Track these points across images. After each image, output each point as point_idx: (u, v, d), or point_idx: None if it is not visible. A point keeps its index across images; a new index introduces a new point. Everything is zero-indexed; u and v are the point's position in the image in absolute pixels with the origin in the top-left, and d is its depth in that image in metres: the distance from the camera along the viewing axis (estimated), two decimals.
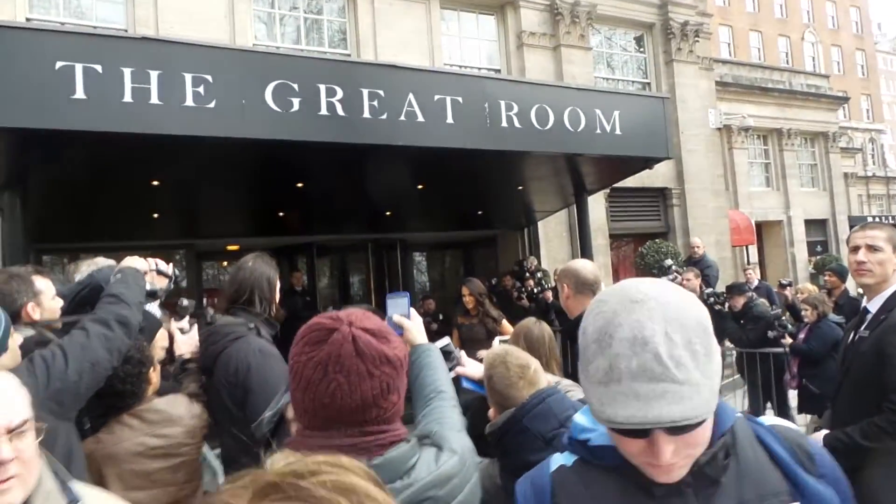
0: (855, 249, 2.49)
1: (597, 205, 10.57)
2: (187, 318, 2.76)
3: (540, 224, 10.76)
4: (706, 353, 0.85)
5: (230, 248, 10.20)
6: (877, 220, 18.02)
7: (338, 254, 11.38)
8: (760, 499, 0.93)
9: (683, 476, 0.91)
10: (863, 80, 37.54)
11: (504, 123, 5.76)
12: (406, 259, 11.59)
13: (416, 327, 1.77)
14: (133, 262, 2.25)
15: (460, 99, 5.53)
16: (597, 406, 0.86)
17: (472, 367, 2.15)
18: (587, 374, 0.89)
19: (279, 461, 0.61)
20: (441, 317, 8.75)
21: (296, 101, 4.76)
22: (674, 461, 0.87)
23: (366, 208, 8.83)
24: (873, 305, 2.46)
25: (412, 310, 1.78)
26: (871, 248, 2.43)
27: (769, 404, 6.27)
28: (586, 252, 7.84)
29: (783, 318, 6.26)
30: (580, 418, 1.06)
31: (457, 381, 2.32)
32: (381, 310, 1.78)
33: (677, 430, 0.84)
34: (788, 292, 9.42)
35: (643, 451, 0.88)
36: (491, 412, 1.98)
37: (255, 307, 2.43)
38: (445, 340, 2.17)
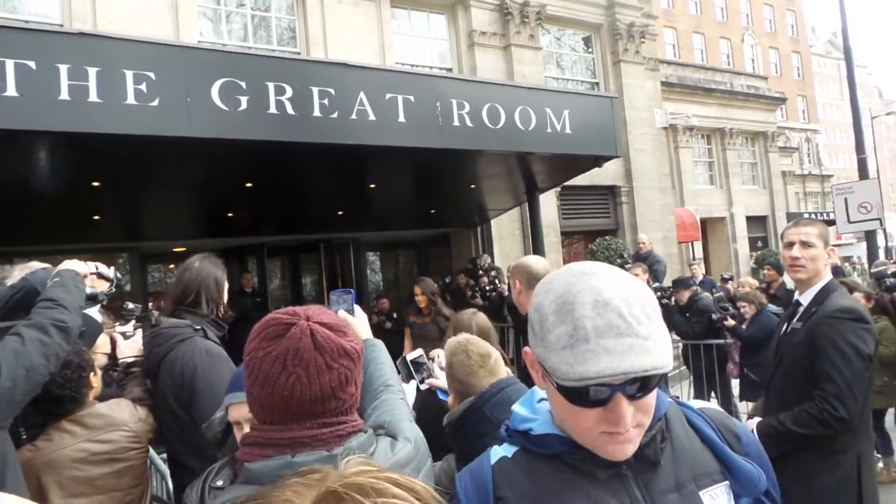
0: (789, 245, 2.55)
1: (548, 203, 10.74)
2: (132, 322, 2.68)
3: (493, 222, 10.86)
4: (656, 317, 0.90)
5: (177, 249, 9.93)
6: (812, 216, 18.88)
7: (289, 254, 11.22)
8: (695, 479, 0.97)
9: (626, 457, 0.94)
10: (798, 81, 39.19)
11: (456, 122, 5.78)
12: (359, 259, 11.51)
13: (360, 323, 1.78)
14: (72, 265, 2.16)
15: (412, 97, 5.52)
16: (564, 368, 0.87)
17: (444, 379, 2.16)
18: (547, 344, 0.90)
19: (353, 466, 0.60)
20: (395, 316, 8.74)
21: (243, 100, 4.67)
22: (629, 427, 0.90)
23: (317, 208, 8.74)
24: (805, 298, 2.54)
25: (356, 306, 1.78)
26: (804, 245, 2.50)
27: (713, 393, 6.51)
28: (538, 249, 7.96)
29: (723, 302, 6.52)
30: (519, 409, 1.07)
31: (429, 392, 2.32)
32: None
33: (634, 397, 0.88)
34: (730, 286, 9.82)
35: (601, 419, 0.90)
36: (450, 401, 2.01)
37: (201, 309, 2.38)
38: (419, 352, 2.18)
